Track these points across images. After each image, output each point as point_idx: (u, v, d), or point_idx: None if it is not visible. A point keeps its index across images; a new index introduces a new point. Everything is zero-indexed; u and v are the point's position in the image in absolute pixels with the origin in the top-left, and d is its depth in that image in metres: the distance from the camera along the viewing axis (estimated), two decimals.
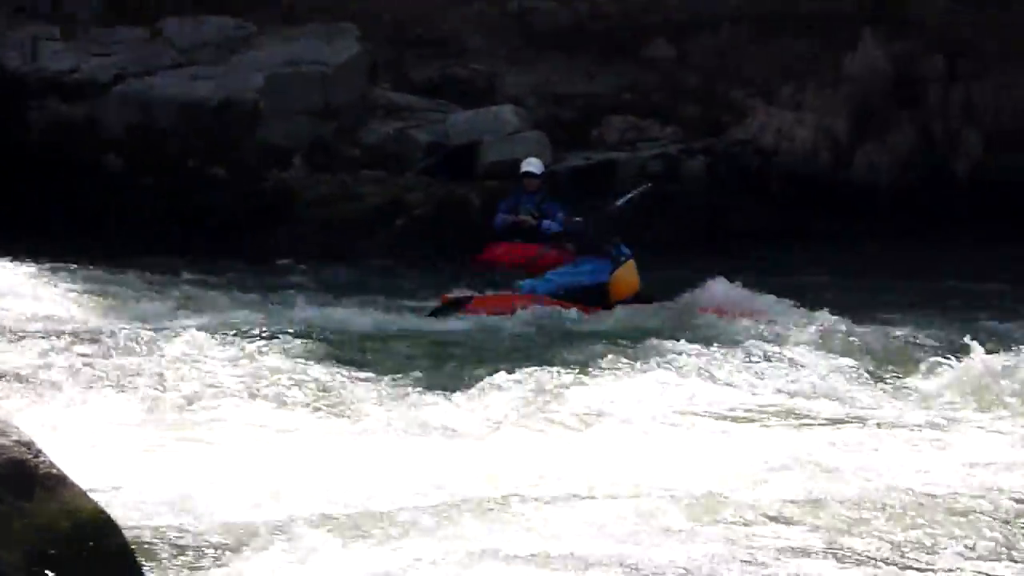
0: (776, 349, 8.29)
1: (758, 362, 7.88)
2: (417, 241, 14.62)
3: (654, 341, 8.53)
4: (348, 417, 6.69)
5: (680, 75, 16.43)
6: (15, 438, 3.47)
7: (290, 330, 8.85)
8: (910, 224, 15.29)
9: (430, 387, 7.38)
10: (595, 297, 10.69)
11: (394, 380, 7.57)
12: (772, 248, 14.71)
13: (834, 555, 4.50)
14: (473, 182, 15.27)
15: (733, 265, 13.28)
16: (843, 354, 8.34)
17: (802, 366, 7.85)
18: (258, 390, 7.11)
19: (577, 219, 11.22)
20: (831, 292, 11.51)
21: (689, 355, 7.94)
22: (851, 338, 8.89)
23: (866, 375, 7.85)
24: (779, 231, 15.05)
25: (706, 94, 16.25)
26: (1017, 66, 15.84)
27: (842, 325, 9.28)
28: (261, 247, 14.32)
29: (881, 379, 7.84)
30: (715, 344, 8.39)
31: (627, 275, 10.92)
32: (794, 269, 13.49)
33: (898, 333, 9.35)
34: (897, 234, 15.15)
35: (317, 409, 6.87)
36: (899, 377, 7.92)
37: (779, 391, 7.30)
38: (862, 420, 6.63)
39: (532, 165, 13.27)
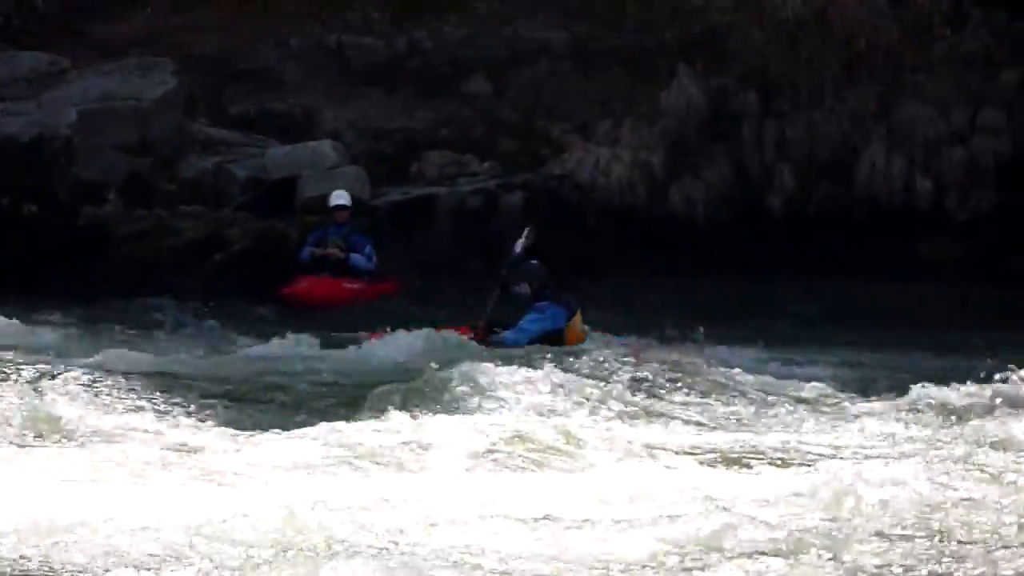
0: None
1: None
2: (235, 276, 16.90)
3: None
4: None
5: (498, 110, 18.98)
6: None
7: (92, 367, 10.12)
8: (727, 257, 18.01)
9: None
10: (551, 343, 12.64)
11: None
12: (590, 282, 17.25)
13: None
14: (292, 216, 17.64)
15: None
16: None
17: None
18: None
19: (533, 262, 13.29)
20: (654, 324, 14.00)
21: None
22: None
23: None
24: (597, 265, 17.68)
25: (524, 129, 18.77)
26: (829, 102, 18.76)
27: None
28: (75, 284, 16.44)
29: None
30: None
31: (578, 324, 13.22)
32: (611, 302, 16.07)
33: (711, 363, 11.52)
34: (715, 268, 17.83)
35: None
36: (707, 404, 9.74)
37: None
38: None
39: (342, 198, 15.90)
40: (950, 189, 18.49)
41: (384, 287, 16.54)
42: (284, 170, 17.95)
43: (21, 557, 5.52)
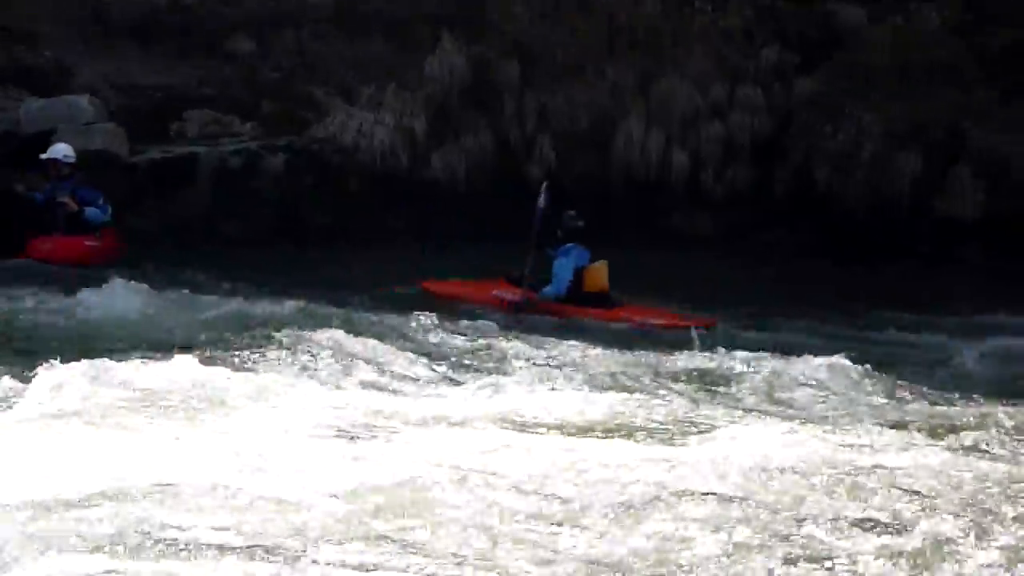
0: None
1: None
2: None
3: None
4: None
5: (261, 71, 20.82)
6: None
7: None
8: (487, 226, 20.27)
9: None
10: (574, 284, 15.31)
11: None
12: (352, 246, 19.32)
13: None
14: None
15: (312, 262, 18.04)
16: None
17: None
18: None
19: (571, 212, 15.79)
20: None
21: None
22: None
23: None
24: (355, 230, 19.79)
25: (287, 91, 20.59)
26: (588, 75, 21.21)
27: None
28: None
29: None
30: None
31: (600, 271, 15.57)
32: (372, 268, 18.07)
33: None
34: (474, 235, 20.07)
35: None
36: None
37: None
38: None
39: (58, 152, 17.21)
40: (707, 164, 20.83)
41: (116, 243, 17.76)
42: (39, 124, 19.20)
43: None
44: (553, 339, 12.36)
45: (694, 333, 14.06)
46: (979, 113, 20.22)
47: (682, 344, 12.94)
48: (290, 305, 13.46)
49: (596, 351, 11.76)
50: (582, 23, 21.06)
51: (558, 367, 11.02)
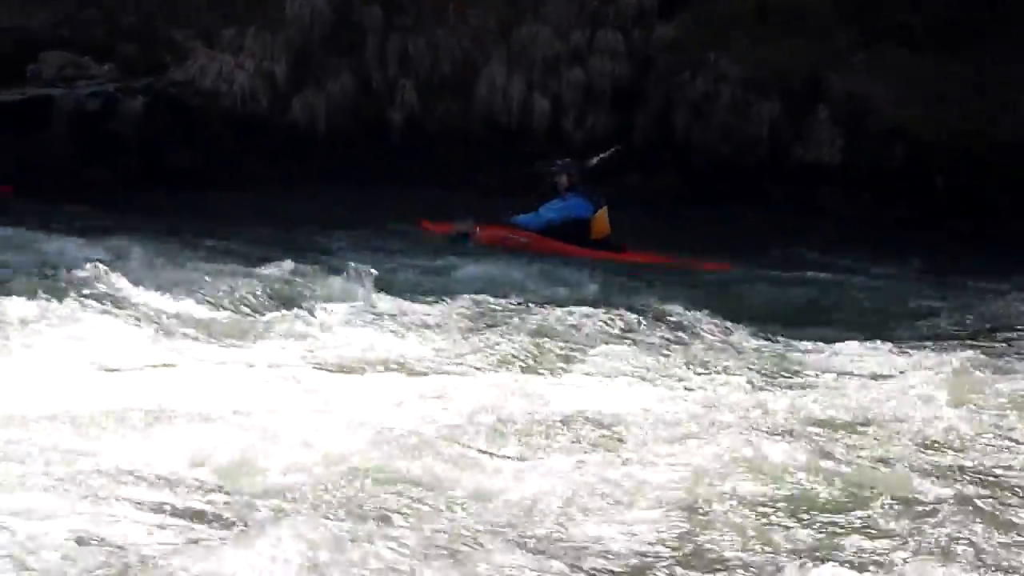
0: None
1: None
2: None
3: None
4: None
5: (119, 13, 21.29)
6: None
7: None
8: (348, 170, 20.86)
9: None
10: (578, 231, 16.11)
11: None
12: (209, 191, 19.82)
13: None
14: None
15: (169, 208, 18.49)
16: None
17: None
18: None
19: (567, 160, 16.71)
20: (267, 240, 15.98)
21: None
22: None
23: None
24: (216, 174, 20.30)
25: (146, 33, 21.10)
26: (450, 19, 21.80)
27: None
28: None
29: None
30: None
31: (603, 217, 16.42)
32: (231, 214, 18.54)
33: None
34: (335, 179, 20.65)
35: None
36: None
37: None
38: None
39: None
40: (568, 110, 21.53)
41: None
42: None
43: None
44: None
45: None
46: (839, 59, 20.94)
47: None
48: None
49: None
50: None
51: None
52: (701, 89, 21.11)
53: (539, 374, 9.12)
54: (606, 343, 10.21)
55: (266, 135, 20.74)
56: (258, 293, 11.10)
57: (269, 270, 12.13)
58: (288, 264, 12.30)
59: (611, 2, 21.90)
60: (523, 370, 9.20)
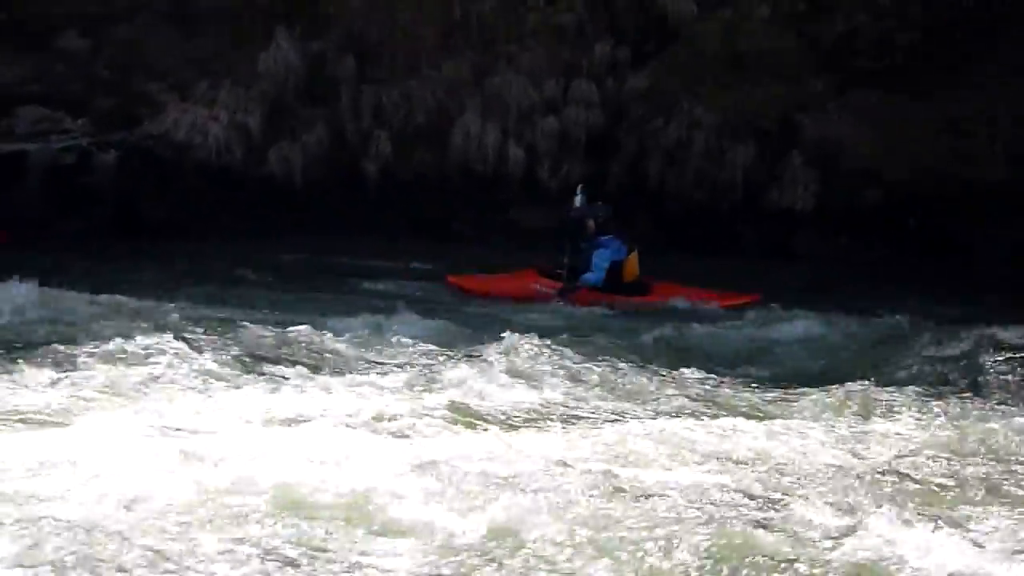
0: None
1: None
2: None
3: None
4: None
5: (93, 67, 21.42)
6: None
7: None
8: (324, 221, 21.04)
9: None
10: (612, 275, 16.42)
11: None
12: (185, 242, 19.93)
13: None
14: None
15: (146, 259, 18.61)
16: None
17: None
18: None
19: (598, 203, 16.90)
20: (253, 289, 16.28)
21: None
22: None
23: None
24: (191, 226, 20.45)
25: (120, 87, 21.27)
26: (424, 70, 22.04)
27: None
28: None
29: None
30: None
31: (634, 260, 16.72)
32: (211, 263, 18.48)
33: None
34: (311, 230, 20.80)
35: None
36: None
37: None
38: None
39: None
40: (542, 159, 21.79)
41: None
42: None
43: None
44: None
45: None
46: (812, 103, 21.15)
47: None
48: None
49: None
50: (417, 18, 21.77)
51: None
52: (674, 136, 21.36)
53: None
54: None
55: (241, 187, 20.92)
56: (238, 346, 11.22)
57: (246, 322, 12.24)
58: (262, 316, 12.39)
59: (585, 52, 22.18)
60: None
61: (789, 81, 21.28)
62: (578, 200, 17.10)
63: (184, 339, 10.96)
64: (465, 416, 9.08)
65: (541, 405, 9.65)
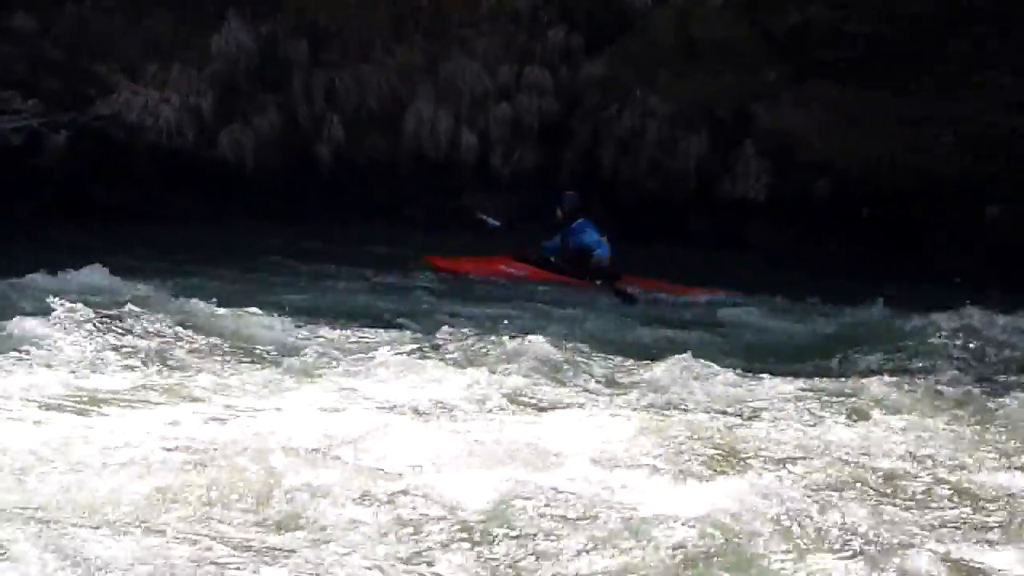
0: None
1: None
2: None
3: None
4: None
5: (42, 47, 21.36)
6: None
7: None
8: (274, 205, 20.99)
9: None
10: (582, 260, 16.78)
11: None
12: (135, 226, 19.85)
13: None
14: None
15: (97, 243, 18.49)
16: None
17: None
18: None
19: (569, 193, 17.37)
20: (198, 275, 15.91)
21: None
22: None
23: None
24: (142, 209, 20.40)
25: (70, 68, 21.22)
26: (377, 54, 22.03)
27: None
28: None
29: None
30: None
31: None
32: (159, 248, 18.55)
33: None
34: (263, 214, 20.74)
35: None
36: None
37: None
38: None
39: None
40: (495, 145, 21.86)
41: None
42: None
43: None
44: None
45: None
46: (766, 93, 21.20)
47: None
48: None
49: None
50: (370, 3, 21.75)
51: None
52: (628, 125, 21.41)
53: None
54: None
55: (193, 170, 20.81)
56: (188, 327, 11.20)
57: (194, 305, 12.22)
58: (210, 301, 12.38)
59: (538, 39, 22.26)
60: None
61: (743, 71, 21.33)
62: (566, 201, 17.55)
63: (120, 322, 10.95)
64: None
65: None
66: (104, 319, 10.91)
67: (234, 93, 21.39)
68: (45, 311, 10.87)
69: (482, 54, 21.95)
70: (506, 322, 12.60)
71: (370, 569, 6.11)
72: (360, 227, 20.16)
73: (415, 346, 11.19)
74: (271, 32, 21.69)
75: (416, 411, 8.85)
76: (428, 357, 10.68)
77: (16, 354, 9.66)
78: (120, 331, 10.68)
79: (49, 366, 9.45)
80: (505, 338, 11.33)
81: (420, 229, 20.34)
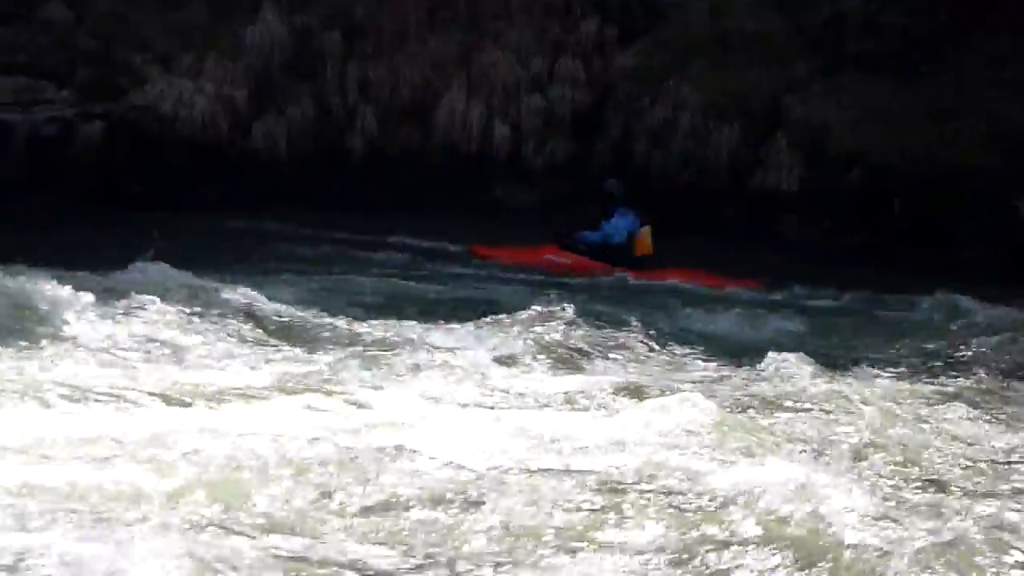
0: None
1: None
2: None
3: None
4: None
5: (77, 38, 21.48)
6: None
7: None
8: (308, 195, 21.09)
9: None
10: (620, 247, 17.26)
11: None
12: (168, 216, 19.92)
13: None
14: None
15: (130, 233, 18.56)
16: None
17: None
18: None
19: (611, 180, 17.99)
20: (231, 265, 15.69)
21: None
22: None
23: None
24: (175, 199, 20.50)
25: (104, 58, 21.38)
26: (411, 46, 22.13)
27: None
28: None
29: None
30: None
31: (646, 235, 17.78)
32: (198, 237, 18.67)
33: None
34: (295, 204, 20.83)
35: None
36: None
37: None
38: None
39: None
40: (528, 137, 21.93)
41: None
42: None
43: None
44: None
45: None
46: (798, 85, 21.24)
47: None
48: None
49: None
50: None
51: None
52: (660, 116, 21.45)
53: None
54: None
55: (226, 160, 20.93)
56: (220, 319, 11.13)
57: (228, 295, 12.18)
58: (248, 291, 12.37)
59: (571, 30, 22.33)
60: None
61: (775, 63, 21.35)
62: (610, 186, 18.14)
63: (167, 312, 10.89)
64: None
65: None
66: (144, 309, 10.89)
67: (268, 84, 21.50)
68: (83, 302, 10.87)
69: (515, 45, 21.99)
70: (550, 309, 12.51)
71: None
72: (392, 217, 20.15)
73: (460, 336, 11.18)
74: (305, 23, 21.79)
75: (482, 405, 8.89)
76: (470, 349, 10.65)
77: (53, 343, 9.62)
78: (158, 321, 10.62)
79: (91, 355, 9.40)
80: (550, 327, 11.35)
81: (452, 220, 20.33)
